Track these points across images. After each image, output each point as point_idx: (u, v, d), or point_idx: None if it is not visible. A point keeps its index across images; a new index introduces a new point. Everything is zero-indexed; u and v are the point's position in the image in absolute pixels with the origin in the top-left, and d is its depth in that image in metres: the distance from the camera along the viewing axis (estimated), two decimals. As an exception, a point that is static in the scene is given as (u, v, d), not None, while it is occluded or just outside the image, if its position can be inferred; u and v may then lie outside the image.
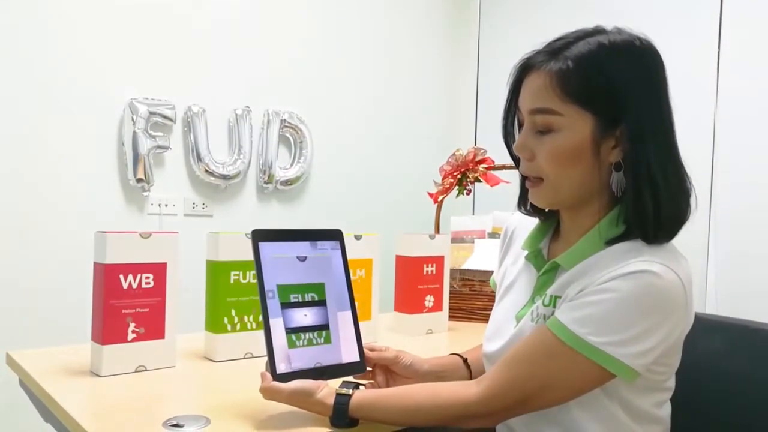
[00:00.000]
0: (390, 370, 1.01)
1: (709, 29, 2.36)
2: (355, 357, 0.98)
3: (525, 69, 0.87)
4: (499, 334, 0.95)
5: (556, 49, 0.84)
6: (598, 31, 0.85)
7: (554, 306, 0.86)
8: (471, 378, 1.04)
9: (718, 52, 2.34)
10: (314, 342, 0.95)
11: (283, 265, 0.95)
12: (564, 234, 0.94)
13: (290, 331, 0.92)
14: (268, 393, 0.89)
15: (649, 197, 0.81)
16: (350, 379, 0.96)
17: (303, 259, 0.98)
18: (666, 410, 0.89)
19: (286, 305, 0.93)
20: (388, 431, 0.92)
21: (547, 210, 0.97)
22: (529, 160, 0.88)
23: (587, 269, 0.84)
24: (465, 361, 1.07)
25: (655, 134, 0.82)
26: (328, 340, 0.96)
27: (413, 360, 1.01)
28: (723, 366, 1.06)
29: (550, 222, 0.97)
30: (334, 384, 0.92)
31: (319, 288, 0.98)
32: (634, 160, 0.82)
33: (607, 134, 0.83)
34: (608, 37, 0.83)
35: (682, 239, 0.88)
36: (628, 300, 0.77)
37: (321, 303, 0.97)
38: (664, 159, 0.82)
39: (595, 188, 0.86)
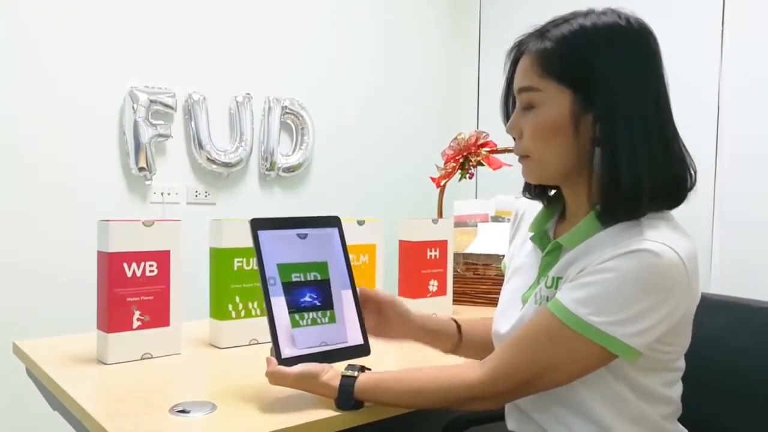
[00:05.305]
0: (382, 314, 1.03)
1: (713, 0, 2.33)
2: (359, 340, 0.98)
3: (518, 52, 0.90)
4: (505, 315, 0.96)
5: (542, 31, 0.87)
6: (586, 12, 0.87)
7: (556, 288, 0.86)
8: (460, 346, 1.06)
9: (722, 21, 2.31)
10: (319, 321, 0.95)
11: (283, 243, 0.95)
12: (569, 215, 0.94)
13: (293, 310, 0.92)
14: (274, 377, 0.90)
15: (607, 175, 0.82)
16: (355, 361, 0.96)
17: (304, 236, 0.97)
18: (676, 390, 0.89)
19: (287, 285, 0.93)
20: (394, 413, 0.92)
21: (551, 194, 0.98)
22: (520, 138, 0.90)
23: (588, 249, 0.84)
24: (459, 328, 1.08)
25: (628, 113, 0.82)
26: (332, 320, 0.96)
27: (409, 310, 1.04)
28: (729, 345, 1.06)
29: (556, 204, 0.97)
30: (340, 366, 0.92)
31: (321, 267, 0.97)
32: (603, 136, 0.83)
33: (586, 110, 0.84)
34: (591, 19, 0.85)
35: (686, 214, 0.88)
36: (627, 279, 0.77)
37: (324, 282, 0.97)
38: (636, 138, 0.82)
39: (576, 164, 0.86)
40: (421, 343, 1.06)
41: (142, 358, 1.14)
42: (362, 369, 0.92)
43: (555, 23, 0.87)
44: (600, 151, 0.83)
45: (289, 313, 0.92)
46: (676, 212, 0.88)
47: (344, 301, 0.98)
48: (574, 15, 0.87)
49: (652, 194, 0.82)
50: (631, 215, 0.83)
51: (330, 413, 0.87)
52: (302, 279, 0.95)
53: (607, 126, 0.82)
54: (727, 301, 1.12)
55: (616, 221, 0.83)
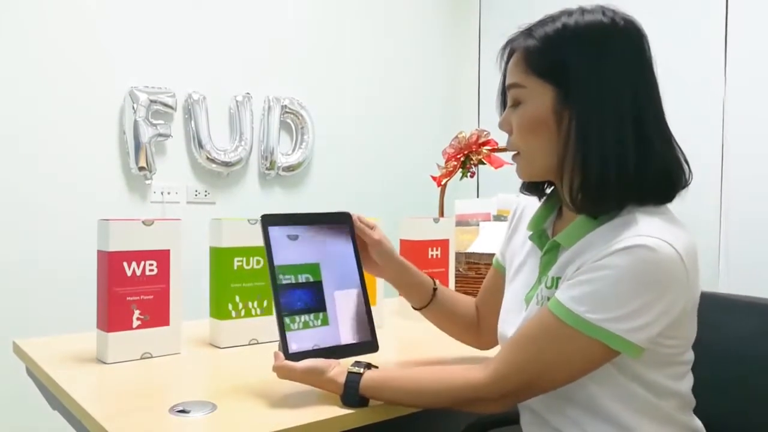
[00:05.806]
0: (366, 251, 1.05)
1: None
2: (366, 336, 0.98)
3: (510, 50, 0.92)
4: (510, 316, 0.96)
5: (530, 30, 0.89)
6: (573, 10, 0.88)
7: (556, 288, 0.86)
8: (427, 307, 1.10)
9: (726, 20, 2.30)
10: (311, 324, 0.94)
11: (275, 245, 0.94)
12: (565, 213, 0.94)
13: (285, 313, 0.92)
14: (281, 372, 0.90)
15: (578, 168, 0.84)
16: (363, 358, 0.95)
17: (294, 237, 0.96)
18: (686, 383, 0.89)
19: (278, 287, 0.92)
20: (400, 413, 0.92)
21: (547, 191, 0.98)
22: (510, 134, 0.92)
23: (585, 247, 0.84)
24: (434, 292, 1.11)
25: (601, 109, 0.83)
26: (325, 322, 0.95)
27: (392, 254, 1.06)
28: (750, 346, 1.05)
29: (554, 201, 0.97)
30: (348, 363, 0.92)
31: (313, 268, 0.96)
32: (578, 131, 0.84)
33: (566, 106, 0.85)
34: (575, 17, 0.86)
35: (693, 213, 0.87)
36: (623, 276, 0.77)
37: (316, 284, 0.96)
38: (607, 133, 0.82)
39: (562, 160, 0.86)
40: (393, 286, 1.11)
41: (141, 358, 1.13)
42: (368, 366, 0.91)
43: (543, 22, 0.88)
44: (573, 145, 0.84)
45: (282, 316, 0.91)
46: (682, 211, 0.87)
47: (338, 301, 0.97)
48: (562, 13, 0.88)
49: (622, 189, 0.82)
50: (599, 208, 0.84)
51: (331, 413, 0.87)
52: (293, 281, 0.94)
53: (581, 121, 0.83)
54: (746, 301, 1.10)
55: (586, 213, 0.85)
